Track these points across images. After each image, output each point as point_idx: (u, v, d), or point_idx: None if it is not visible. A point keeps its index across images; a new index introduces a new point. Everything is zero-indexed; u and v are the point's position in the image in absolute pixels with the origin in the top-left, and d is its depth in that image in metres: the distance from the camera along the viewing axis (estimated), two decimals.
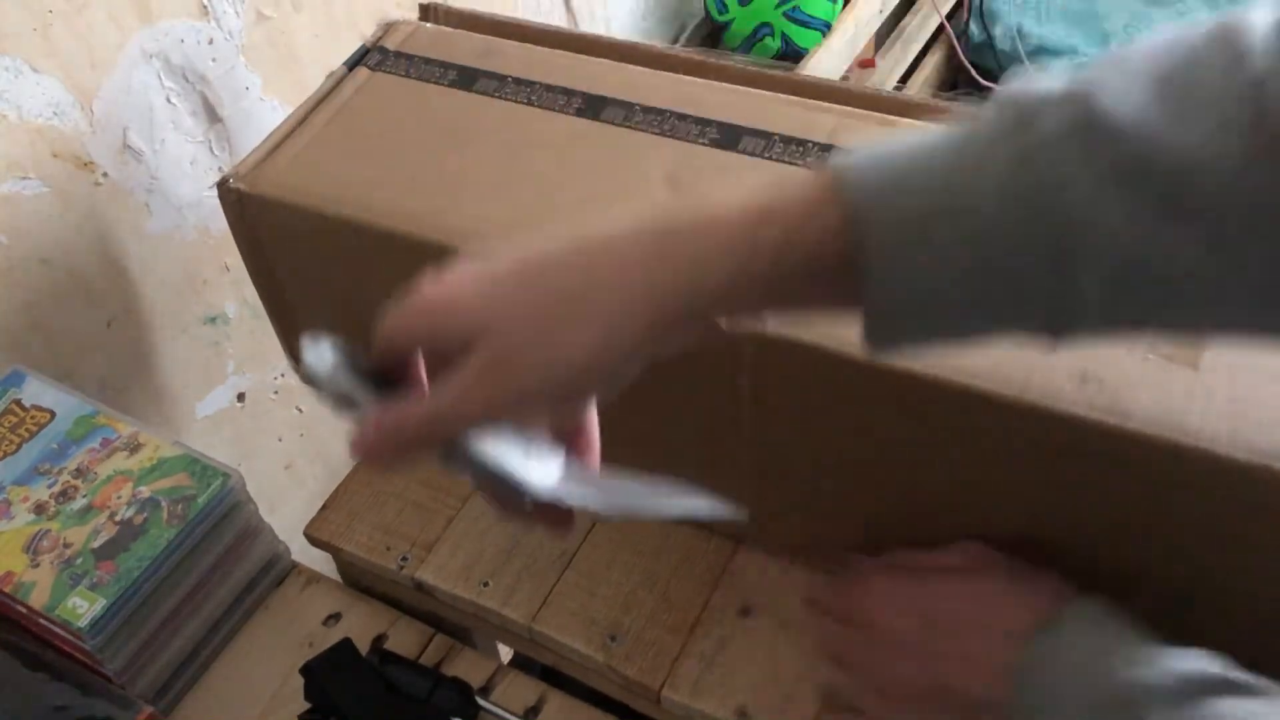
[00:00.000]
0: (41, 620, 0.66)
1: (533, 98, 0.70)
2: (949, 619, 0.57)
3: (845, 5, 1.73)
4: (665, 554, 0.74)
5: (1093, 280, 0.40)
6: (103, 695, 0.65)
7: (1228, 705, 0.46)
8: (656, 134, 0.67)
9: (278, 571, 0.77)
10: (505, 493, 0.47)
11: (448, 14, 0.79)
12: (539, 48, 0.75)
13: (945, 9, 1.92)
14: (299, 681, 0.69)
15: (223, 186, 0.69)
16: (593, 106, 0.69)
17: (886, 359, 0.45)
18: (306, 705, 0.69)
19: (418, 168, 0.67)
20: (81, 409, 0.74)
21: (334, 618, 0.76)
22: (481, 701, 0.69)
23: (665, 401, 0.64)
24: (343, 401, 0.46)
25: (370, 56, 0.75)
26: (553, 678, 0.74)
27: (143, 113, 0.89)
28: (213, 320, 1.01)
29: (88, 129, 0.85)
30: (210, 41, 0.92)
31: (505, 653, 0.92)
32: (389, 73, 0.74)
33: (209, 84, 0.93)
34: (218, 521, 0.71)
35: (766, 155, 0.65)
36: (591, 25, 1.54)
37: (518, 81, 0.72)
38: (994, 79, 1.93)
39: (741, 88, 0.69)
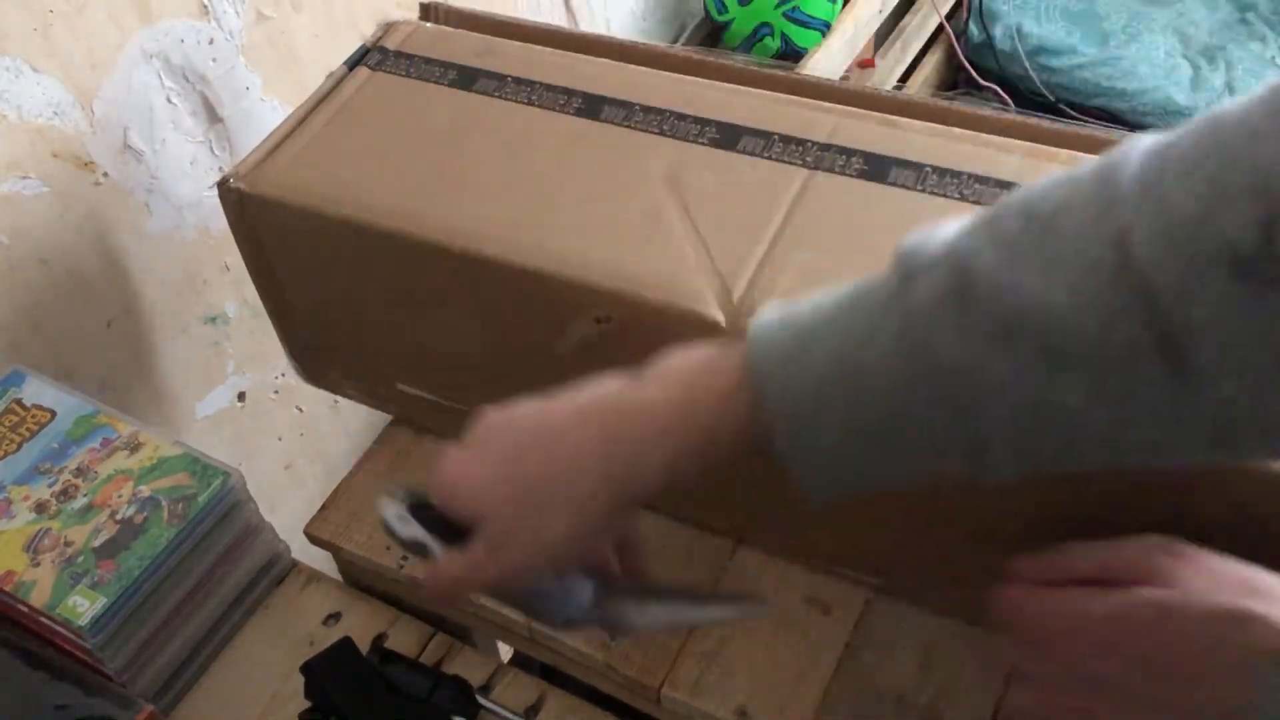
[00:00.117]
0: (42, 619, 0.66)
1: (532, 97, 0.71)
2: (1163, 660, 0.46)
3: (845, 5, 1.73)
4: (665, 553, 0.74)
5: (995, 428, 0.42)
6: (103, 694, 0.66)
7: None
8: (656, 134, 0.67)
9: (278, 571, 0.77)
10: (545, 621, 0.56)
11: (448, 14, 0.79)
12: (539, 47, 0.75)
13: (945, 9, 1.92)
14: (299, 681, 0.69)
15: (223, 186, 0.69)
16: (592, 106, 0.69)
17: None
18: (306, 704, 0.69)
19: (418, 168, 0.68)
20: (82, 409, 0.74)
21: (334, 617, 0.76)
22: (481, 700, 0.69)
23: None
24: (416, 549, 0.54)
25: (370, 56, 0.75)
26: (552, 676, 0.74)
27: (143, 113, 0.89)
28: (213, 320, 1.01)
29: (88, 129, 0.85)
30: (210, 41, 0.92)
31: (505, 652, 0.92)
32: (389, 73, 0.74)
33: (209, 84, 0.93)
34: (218, 521, 0.71)
35: (766, 155, 0.65)
36: (591, 25, 1.54)
37: (518, 81, 0.72)
38: (994, 79, 1.93)
39: (741, 87, 0.69)
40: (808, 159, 0.64)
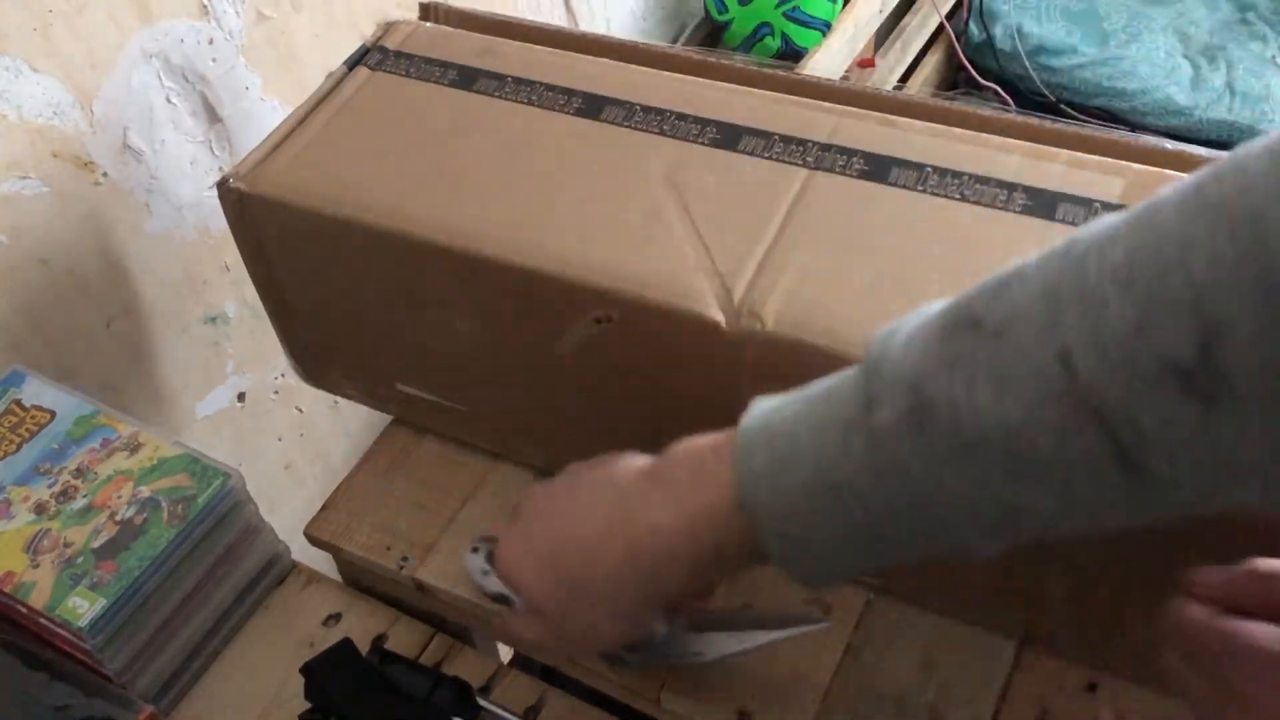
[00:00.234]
0: (42, 620, 0.66)
1: (533, 97, 0.70)
2: None
3: (845, 5, 1.73)
4: None
5: (970, 530, 0.44)
6: (103, 695, 0.65)
7: None
8: (656, 134, 0.67)
9: (278, 571, 0.77)
10: (610, 658, 0.63)
11: (448, 14, 0.79)
12: (539, 47, 0.75)
13: (945, 9, 1.92)
14: (299, 681, 0.69)
15: (223, 186, 0.69)
16: (593, 106, 0.69)
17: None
18: (306, 705, 0.69)
19: (418, 168, 0.68)
20: (81, 409, 0.74)
21: (334, 618, 0.76)
22: (482, 701, 0.69)
23: (665, 401, 0.65)
24: (499, 599, 0.62)
25: (370, 56, 0.75)
26: (552, 678, 0.74)
27: (143, 113, 0.89)
28: (213, 320, 1.01)
29: (88, 129, 0.85)
30: (210, 41, 0.92)
31: (505, 652, 0.92)
32: (389, 72, 0.74)
33: (209, 84, 0.93)
34: (218, 521, 0.71)
35: (766, 155, 0.65)
36: (591, 25, 1.54)
37: (517, 81, 0.72)
38: (994, 78, 1.93)
39: (741, 87, 0.69)
40: (808, 159, 0.64)
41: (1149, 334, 0.37)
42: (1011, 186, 0.61)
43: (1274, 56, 1.88)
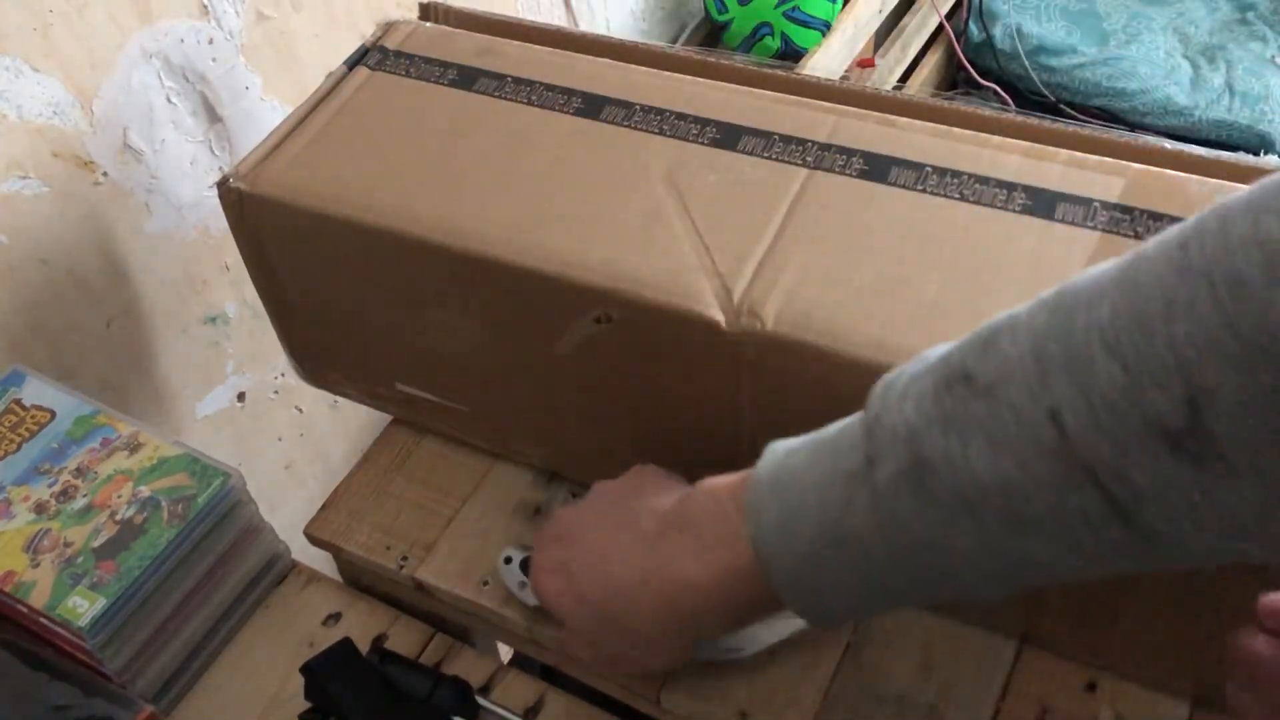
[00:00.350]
0: (42, 620, 0.66)
1: (532, 97, 0.70)
2: None
3: (845, 5, 1.73)
4: None
5: (975, 581, 0.45)
6: (103, 695, 0.65)
7: None
8: (656, 133, 0.67)
9: (278, 571, 0.77)
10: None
11: (448, 13, 0.79)
12: (539, 47, 0.75)
13: (944, 9, 1.92)
14: (299, 681, 0.69)
15: (223, 186, 0.69)
16: (592, 106, 0.69)
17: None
18: (306, 705, 0.69)
19: (418, 168, 0.68)
20: (81, 409, 0.74)
21: (334, 617, 0.76)
22: (481, 701, 0.69)
23: (665, 401, 0.65)
24: (540, 611, 0.64)
25: (370, 56, 0.75)
26: (552, 677, 0.74)
27: (143, 113, 0.89)
28: (213, 320, 1.01)
29: (88, 129, 0.85)
30: (210, 41, 0.92)
31: (505, 652, 0.92)
32: (389, 72, 0.74)
33: (209, 84, 0.93)
34: (218, 521, 0.71)
35: (766, 155, 0.65)
36: (591, 25, 1.54)
37: (517, 81, 0.72)
38: (994, 79, 1.93)
39: (741, 87, 0.69)
40: (808, 159, 0.64)
41: (1136, 396, 0.37)
42: (1011, 186, 0.61)
43: (1274, 56, 1.88)
